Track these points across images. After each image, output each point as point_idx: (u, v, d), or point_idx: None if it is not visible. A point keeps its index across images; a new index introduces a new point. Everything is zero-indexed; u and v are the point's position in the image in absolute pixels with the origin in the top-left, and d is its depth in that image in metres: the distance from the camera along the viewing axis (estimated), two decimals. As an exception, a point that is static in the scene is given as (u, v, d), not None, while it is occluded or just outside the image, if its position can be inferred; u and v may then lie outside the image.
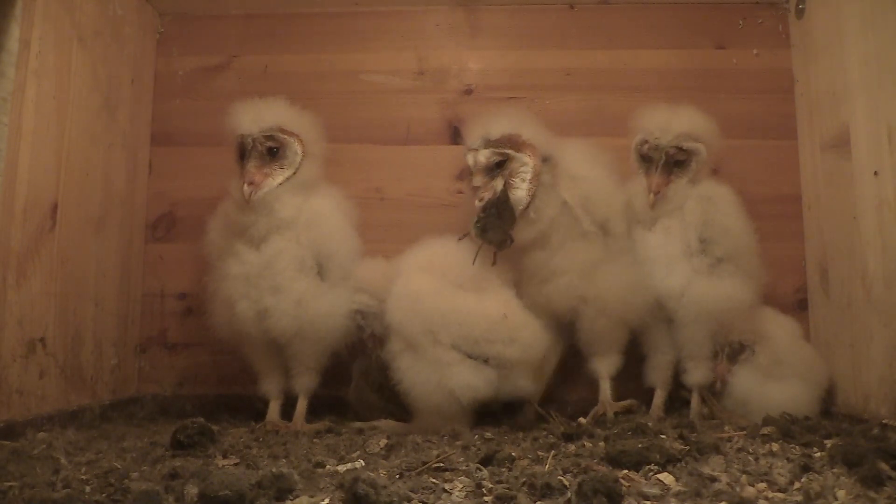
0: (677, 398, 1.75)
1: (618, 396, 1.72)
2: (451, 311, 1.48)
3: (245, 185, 1.60)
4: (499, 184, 1.58)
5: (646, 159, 1.71)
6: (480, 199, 1.57)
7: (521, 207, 1.58)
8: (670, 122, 1.68)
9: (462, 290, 1.54)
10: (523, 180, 1.60)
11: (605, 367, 1.71)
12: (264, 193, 1.61)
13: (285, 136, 1.64)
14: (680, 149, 1.67)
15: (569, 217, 1.64)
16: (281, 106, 1.68)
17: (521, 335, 1.51)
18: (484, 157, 1.59)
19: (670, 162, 1.67)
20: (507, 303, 1.54)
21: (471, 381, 1.46)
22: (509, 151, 1.59)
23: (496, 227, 1.56)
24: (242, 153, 1.63)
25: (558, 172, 1.65)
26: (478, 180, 1.59)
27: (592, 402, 1.71)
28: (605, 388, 1.69)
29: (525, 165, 1.60)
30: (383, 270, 1.64)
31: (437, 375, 1.45)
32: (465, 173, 2.00)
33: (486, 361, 1.48)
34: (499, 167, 1.59)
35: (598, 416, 1.63)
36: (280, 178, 1.63)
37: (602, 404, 1.66)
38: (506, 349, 1.48)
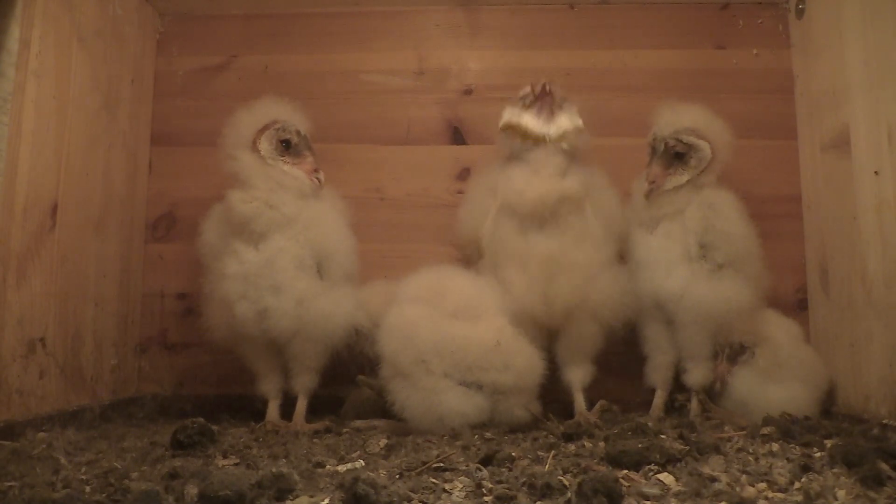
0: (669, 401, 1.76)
1: (618, 397, 1.74)
2: (445, 340, 1.49)
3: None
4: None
5: (652, 152, 1.73)
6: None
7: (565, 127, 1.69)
8: (674, 116, 1.70)
9: (456, 319, 1.54)
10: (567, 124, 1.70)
11: (579, 378, 1.71)
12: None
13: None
14: (679, 140, 1.67)
15: (583, 213, 1.67)
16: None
17: (515, 362, 1.51)
18: (552, 88, 1.70)
19: (669, 153, 1.68)
20: (500, 330, 1.54)
21: (460, 408, 1.46)
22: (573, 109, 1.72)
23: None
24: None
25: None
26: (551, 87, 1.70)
27: (592, 404, 1.71)
28: (580, 400, 1.70)
29: (576, 125, 1.69)
30: (384, 294, 1.65)
31: (427, 402, 1.46)
32: (466, 173, 2.01)
33: (480, 388, 1.49)
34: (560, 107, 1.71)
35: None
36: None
37: (579, 415, 1.65)
38: (500, 376, 1.48)
